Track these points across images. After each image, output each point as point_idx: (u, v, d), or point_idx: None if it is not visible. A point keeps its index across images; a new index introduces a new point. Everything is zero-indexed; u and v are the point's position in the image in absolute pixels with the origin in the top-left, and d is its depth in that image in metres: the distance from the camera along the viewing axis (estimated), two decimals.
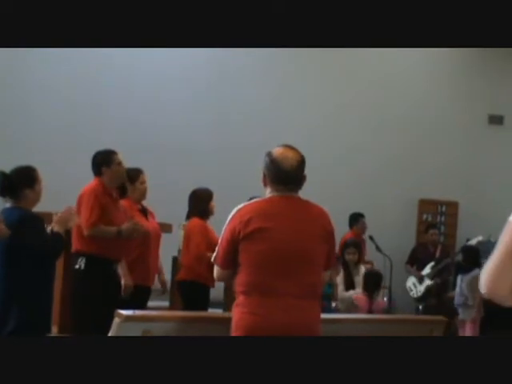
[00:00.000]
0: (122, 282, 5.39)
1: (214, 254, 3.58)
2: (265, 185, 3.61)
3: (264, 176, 3.59)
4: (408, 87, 10.81)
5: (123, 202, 5.56)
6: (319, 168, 10.07)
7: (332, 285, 6.93)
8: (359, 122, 10.50)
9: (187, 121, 9.47)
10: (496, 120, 11.09)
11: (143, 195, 5.86)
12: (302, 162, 3.58)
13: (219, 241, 3.57)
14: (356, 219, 8.92)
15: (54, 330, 6.80)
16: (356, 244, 7.67)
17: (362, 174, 10.34)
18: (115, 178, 5.38)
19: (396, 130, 10.71)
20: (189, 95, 9.54)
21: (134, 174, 5.78)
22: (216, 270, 3.60)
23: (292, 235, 3.47)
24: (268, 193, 3.60)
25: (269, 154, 3.58)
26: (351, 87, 10.52)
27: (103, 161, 5.34)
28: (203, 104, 9.62)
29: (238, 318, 3.43)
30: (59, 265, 6.81)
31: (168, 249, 6.59)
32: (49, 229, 4.55)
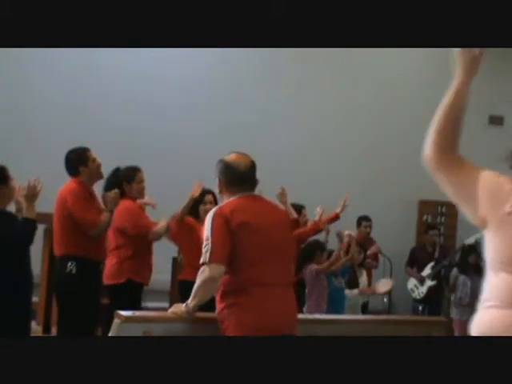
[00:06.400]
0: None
1: (207, 255, 3.47)
2: (221, 192, 3.69)
3: (220, 182, 3.66)
4: (408, 89, 10.82)
5: (124, 202, 5.53)
6: (320, 170, 10.11)
7: None
8: (360, 125, 10.50)
9: (188, 121, 9.46)
10: (496, 120, 11.09)
11: (141, 194, 5.80)
12: (253, 166, 3.75)
13: (208, 241, 3.48)
14: (358, 223, 8.93)
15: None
16: (361, 245, 7.73)
17: (362, 175, 10.35)
18: (94, 175, 5.37)
19: (396, 130, 10.72)
20: (189, 96, 9.54)
21: (131, 173, 5.74)
22: (210, 268, 3.45)
23: (271, 226, 3.57)
24: (226, 198, 3.65)
25: (222, 161, 3.72)
26: (351, 91, 10.53)
27: (79, 160, 5.30)
28: (204, 105, 9.62)
29: (238, 316, 3.42)
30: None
31: (167, 249, 6.59)
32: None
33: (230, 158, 3.72)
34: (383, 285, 7.72)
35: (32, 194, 4.48)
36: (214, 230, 3.50)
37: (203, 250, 3.52)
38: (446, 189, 1.96)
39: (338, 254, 6.55)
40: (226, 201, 3.67)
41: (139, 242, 5.61)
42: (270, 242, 3.55)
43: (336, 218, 6.79)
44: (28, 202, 4.47)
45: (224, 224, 3.48)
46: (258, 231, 3.52)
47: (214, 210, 3.62)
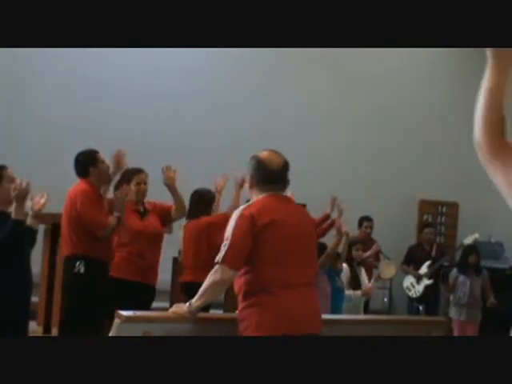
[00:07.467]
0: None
1: (222, 255, 3.42)
2: (251, 187, 3.68)
3: (251, 178, 3.64)
4: (408, 87, 10.82)
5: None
6: (319, 169, 10.11)
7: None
8: (359, 122, 10.51)
9: (187, 121, 9.47)
10: None
11: (140, 195, 5.72)
12: (286, 165, 3.70)
13: (227, 241, 3.43)
14: (360, 223, 8.94)
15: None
16: (363, 242, 7.74)
17: (362, 174, 10.35)
18: (103, 177, 5.40)
19: (396, 130, 10.72)
20: (189, 95, 9.54)
21: (130, 174, 5.72)
22: (222, 270, 3.41)
23: (297, 228, 3.56)
24: (255, 194, 3.63)
25: (255, 157, 3.69)
26: (351, 87, 10.54)
27: (89, 161, 5.32)
28: (204, 104, 9.62)
29: (260, 316, 3.38)
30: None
31: (168, 249, 6.59)
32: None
33: (263, 155, 3.67)
34: (387, 269, 7.71)
35: (21, 195, 4.44)
36: (236, 231, 3.44)
37: (221, 248, 3.46)
38: (498, 179, 1.87)
39: (331, 253, 6.53)
40: (254, 199, 3.63)
41: (134, 241, 5.58)
42: (294, 243, 3.52)
43: (327, 218, 7.07)
44: (17, 202, 4.44)
45: (248, 226, 3.43)
46: (283, 231, 3.49)
47: (240, 208, 3.55)
